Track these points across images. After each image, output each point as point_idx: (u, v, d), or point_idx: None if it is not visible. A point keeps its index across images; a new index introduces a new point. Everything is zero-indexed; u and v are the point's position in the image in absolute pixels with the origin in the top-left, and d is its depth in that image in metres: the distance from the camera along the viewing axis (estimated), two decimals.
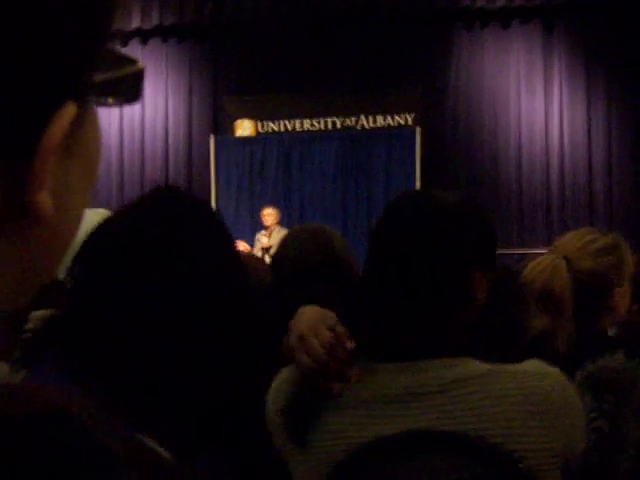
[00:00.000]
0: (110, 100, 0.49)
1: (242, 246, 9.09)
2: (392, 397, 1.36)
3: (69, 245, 0.48)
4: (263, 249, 8.66)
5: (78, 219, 0.48)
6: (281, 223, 9.14)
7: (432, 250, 1.39)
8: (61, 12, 0.41)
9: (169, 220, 1.06)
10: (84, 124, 0.46)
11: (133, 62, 0.49)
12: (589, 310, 1.95)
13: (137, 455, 0.55)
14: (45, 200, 0.42)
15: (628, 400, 1.75)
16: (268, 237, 8.92)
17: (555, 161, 10.64)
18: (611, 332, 2.95)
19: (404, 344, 1.40)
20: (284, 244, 2.48)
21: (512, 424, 1.32)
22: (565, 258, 1.95)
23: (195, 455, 0.91)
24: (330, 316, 1.41)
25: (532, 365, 1.43)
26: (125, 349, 0.97)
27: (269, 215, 9.15)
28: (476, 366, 1.38)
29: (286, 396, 1.41)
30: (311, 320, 1.40)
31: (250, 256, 3.55)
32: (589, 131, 10.60)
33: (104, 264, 1.03)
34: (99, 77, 0.46)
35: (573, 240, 2.01)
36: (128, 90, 0.49)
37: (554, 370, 1.42)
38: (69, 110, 0.43)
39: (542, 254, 2.07)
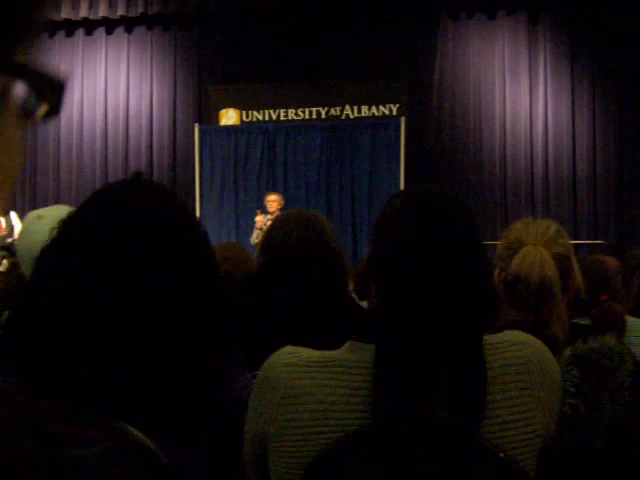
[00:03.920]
0: (40, 111, 0.50)
1: (260, 216, 9.04)
2: None
3: None
4: None
5: None
6: (281, 210, 9.09)
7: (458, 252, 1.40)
8: None
9: (131, 211, 1.07)
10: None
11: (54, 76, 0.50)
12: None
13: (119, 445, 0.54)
14: None
15: (608, 384, 1.77)
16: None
17: (539, 152, 10.66)
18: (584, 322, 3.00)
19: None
20: (274, 228, 2.48)
21: (493, 397, 1.32)
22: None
23: (163, 437, 0.91)
24: None
25: (511, 335, 1.44)
26: (89, 338, 0.97)
27: (274, 201, 9.05)
28: None
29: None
30: None
31: (234, 246, 3.55)
32: (573, 122, 10.63)
33: (67, 259, 1.04)
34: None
35: (534, 228, 2.04)
36: (51, 98, 0.50)
37: (533, 339, 1.44)
38: None
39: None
